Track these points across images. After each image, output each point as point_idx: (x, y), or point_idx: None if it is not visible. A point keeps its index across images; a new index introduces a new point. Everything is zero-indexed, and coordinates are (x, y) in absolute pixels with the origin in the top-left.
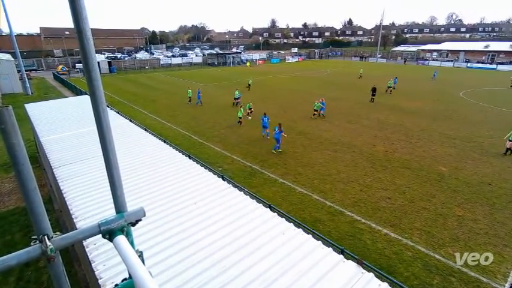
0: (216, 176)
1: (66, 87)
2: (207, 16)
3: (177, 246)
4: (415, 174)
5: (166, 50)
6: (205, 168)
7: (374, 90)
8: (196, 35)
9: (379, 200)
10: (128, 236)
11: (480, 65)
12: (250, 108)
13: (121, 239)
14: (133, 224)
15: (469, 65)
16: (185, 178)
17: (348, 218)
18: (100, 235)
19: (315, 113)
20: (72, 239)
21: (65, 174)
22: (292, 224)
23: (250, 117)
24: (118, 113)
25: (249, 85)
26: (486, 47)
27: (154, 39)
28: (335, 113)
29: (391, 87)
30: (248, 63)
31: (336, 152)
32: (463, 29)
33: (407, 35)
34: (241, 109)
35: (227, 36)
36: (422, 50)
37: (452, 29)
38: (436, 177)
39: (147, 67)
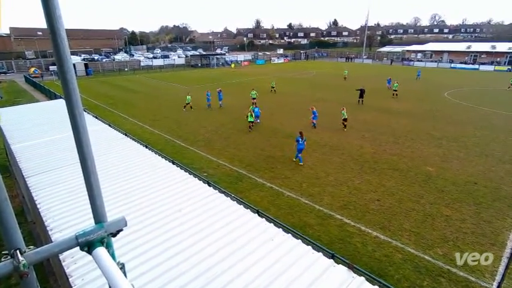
0: (201, 181)
1: (39, 90)
2: (190, 16)
3: (161, 256)
4: (403, 175)
5: (147, 51)
6: (190, 174)
7: (362, 92)
8: (178, 36)
9: (368, 203)
10: (108, 247)
11: (463, 66)
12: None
13: (101, 251)
14: (114, 235)
15: (452, 65)
16: (169, 184)
17: (338, 222)
18: (78, 247)
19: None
20: (47, 253)
21: (39, 184)
22: (281, 229)
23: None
24: (96, 117)
25: (273, 87)
26: (468, 47)
27: (134, 40)
28: (322, 115)
29: (396, 90)
30: (233, 65)
31: (324, 154)
32: (446, 30)
33: (392, 36)
34: (250, 113)
35: (210, 37)
36: (407, 50)
37: (436, 30)
38: (424, 178)
39: (126, 69)
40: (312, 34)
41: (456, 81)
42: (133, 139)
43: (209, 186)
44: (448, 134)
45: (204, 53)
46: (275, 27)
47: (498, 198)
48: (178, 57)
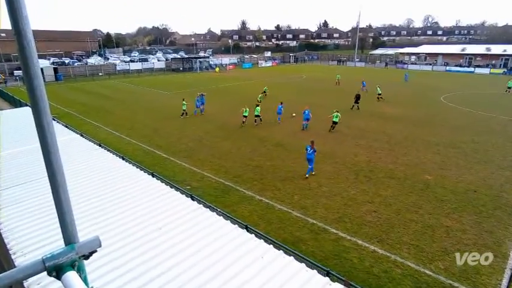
0: (184, 195)
1: (1, 98)
2: (170, 17)
3: (139, 280)
4: (400, 184)
5: (124, 55)
6: (172, 187)
7: (358, 97)
8: (158, 38)
9: (364, 214)
10: (80, 271)
11: (458, 69)
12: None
13: (71, 275)
14: (87, 257)
15: (447, 68)
16: (148, 200)
17: (332, 236)
18: (45, 272)
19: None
20: (9, 279)
21: (2, 201)
22: (271, 245)
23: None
24: (66, 126)
25: (265, 91)
26: (463, 50)
27: (109, 42)
28: (313, 121)
29: (380, 94)
30: (217, 69)
31: (317, 163)
32: (439, 32)
33: (385, 38)
34: (247, 108)
35: (193, 39)
36: (401, 53)
37: (429, 32)
38: (422, 187)
39: (100, 74)
40: (302, 36)
41: (452, 84)
42: (108, 150)
43: (193, 200)
44: (445, 139)
45: (186, 56)
46: (262, 29)
47: (499, 206)
48: (158, 60)
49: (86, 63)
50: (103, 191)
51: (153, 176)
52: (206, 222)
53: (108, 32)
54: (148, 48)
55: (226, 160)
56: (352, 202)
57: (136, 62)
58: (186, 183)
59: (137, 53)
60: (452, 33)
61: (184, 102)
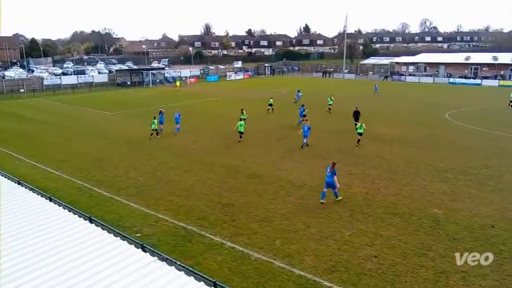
0: (132, 246)
1: None
2: (115, 19)
3: None
4: (404, 221)
5: (54, 66)
6: (117, 236)
7: (357, 114)
8: (99, 45)
9: (363, 261)
10: None
11: (463, 80)
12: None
13: None
14: None
15: (451, 80)
16: (85, 253)
17: None
18: None
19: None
20: None
21: None
22: None
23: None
24: None
25: (271, 105)
26: (467, 59)
27: (34, 50)
28: (297, 145)
29: (331, 104)
30: (178, 83)
31: (303, 198)
32: (439, 38)
33: (378, 45)
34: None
35: (144, 47)
36: (397, 63)
37: (428, 38)
38: (431, 223)
39: (22, 90)
40: (279, 43)
41: (457, 99)
42: (31, 189)
43: (144, 251)
44: (454, 164)
45: (135, 67)
46: (230, 34)
47: None
48: (99, 73)
49: (3, 77)
50: (23, 242)
51: (91, 222)
52: (163, 280)
53: (33, 38)
54: (87, 57)
55: (188, 197)
56: (347, 246)
57: (71, 74)
58: (136, 229)
59: (72, 64)
60: (454, 40)
61: (154, 120)
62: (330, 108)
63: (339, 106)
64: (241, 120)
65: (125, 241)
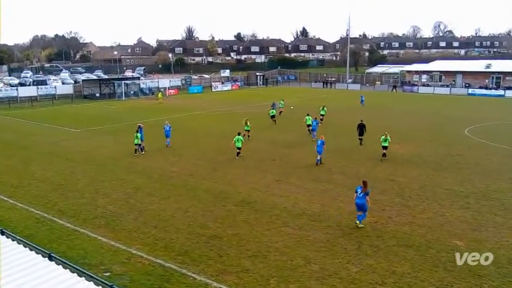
0: (100, 287)
1: None
2: (82, 22)
3: None
4: (420, 254)
5: (9, 75)
6: (81, 276)
7: (362, 128)
8: (63, 51)
9: None
10: None
11: (484, 91)
12: (248, 130)
13: None
14: None
15: (470, 91)
16: None
17: None
18: None
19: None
20: None
21: None
22: None
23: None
24: None
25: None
26: (488, 66)
27: None
28: (294, 167)
29: (323, 115)
30: (160, 95)
31: (301, 229)
32: (455, 43)
33: (386, 51)
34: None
35: (116, 53)
36: (408, 71)
37: (443, 43)
38: (451, 257)
39: None
40: (272, 48)
41: (478, 112)
42: None
43: None
44: (476, 188)
45: (106, 76)
46: (216, 39)
47: None
48: (63, 83)
49: None
50: None
51: (50, 259)
52: None
53: None
54: (49, 65)
55: (167, 229)
56: (354, 285)
57: (30, 85)
58: (104, 268)
59: (31, 73)
60: (472, 45)
61: (137, 134)
62: (322, 119)
63: (340, 119)
64: (239, 135)
65: (91, 282)
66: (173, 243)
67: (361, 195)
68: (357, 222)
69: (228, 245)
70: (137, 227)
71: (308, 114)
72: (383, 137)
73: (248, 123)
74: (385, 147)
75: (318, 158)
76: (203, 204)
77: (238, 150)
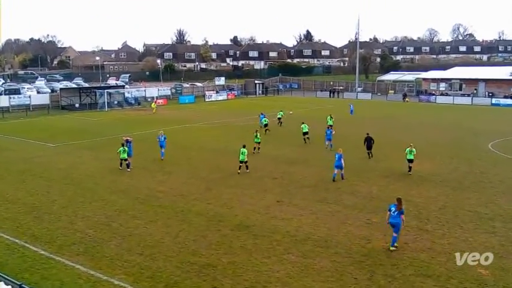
0: None
1: None
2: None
3: None
4: (440, 285)
5: None
6: None
7: (369, 141)
8: (39, 56)
9: None
10: None
11: (509, 101)
12: (258, 142)
13: None
14: None
15: (494, 101)
16: None
17: None
18: None
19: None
20: None
21: None
22: None
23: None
24: None
25: (279, 118)
26: None
27: None
28: (297, 186)
29: (281, 118)
30: (153, 105)
31: (306, 256)
32: (477, 48)
33: (399, 57)
34: (257, 134)
35: (98, 58)
36: (424, 79)
37: (462, 48)
38: None
39: None
40: (273, 54)
41: (503, 125)
42: None
43: None
44: (502, 210)
45: (87, 84)
46: (211, 43)
47: None
48: (38, 92)
49: None
50: None
51: None
52: None
53: None
54: (23, 72)
55: (154, 257)
56: None
57: (1, 94)
58: None
59: (2, 81)
60: (495, 50)
61: (123, 148)
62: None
63: (348, 131)
64: (244, 147)
65: None
66: (161, 273)
67: (395, 214)
68: (391, 247)
69: (223, 275)
70: (120, 254)
71: (303, 123)
72: (408, 149)
73: (259, 135)
74: (410, 161)
75: (335, 172)
76: (195, 228)
77: (240, 164)
